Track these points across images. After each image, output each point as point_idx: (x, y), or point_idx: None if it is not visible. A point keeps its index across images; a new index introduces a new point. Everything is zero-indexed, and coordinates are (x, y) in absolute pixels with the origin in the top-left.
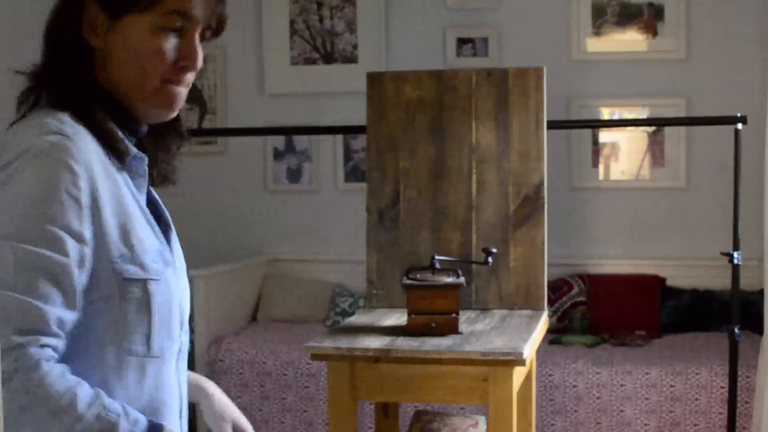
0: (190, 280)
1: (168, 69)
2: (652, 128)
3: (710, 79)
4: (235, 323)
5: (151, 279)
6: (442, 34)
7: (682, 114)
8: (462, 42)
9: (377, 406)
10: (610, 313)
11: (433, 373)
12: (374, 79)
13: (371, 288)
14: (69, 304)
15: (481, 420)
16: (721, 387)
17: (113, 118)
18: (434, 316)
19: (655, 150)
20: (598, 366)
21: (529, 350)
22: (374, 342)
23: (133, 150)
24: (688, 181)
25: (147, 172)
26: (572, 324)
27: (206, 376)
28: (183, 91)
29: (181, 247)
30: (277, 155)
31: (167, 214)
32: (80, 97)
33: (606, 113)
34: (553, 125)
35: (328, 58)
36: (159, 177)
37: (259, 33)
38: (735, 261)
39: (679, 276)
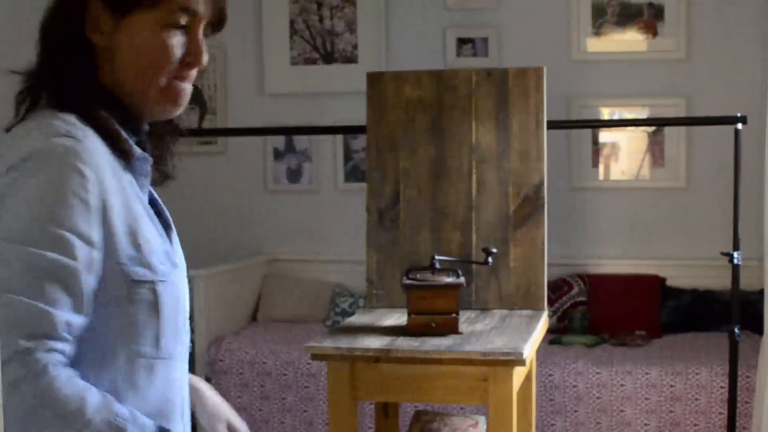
0: (190, 280)
1: (175, 66)
2: (652, 128)
3: (710, 79)
4: (235, 323)
5: (160, 280)
6: (442, 34)
7: (682, 114)
8: (462, 42)
9: (377, 406)
10: (610, 313)
11: (433, 373)
12: (374, 79)
13: (371, 288)
14: (77, 308)
15: (481, 420)
16: (721, 387)
17: (116, 118)
18: (434, 316)
19: (655, 150)
20: (598, 366)
21: (529, 350)
22: (374, 342)
23: (138, 150)
24: (688, 181)
25: (150, 172)
26: (572, 324)
27: (206, 376)
28: (188, 87)
29: (181, 247)
30: (277, 155)
31: (167, 213)
32: (82, 96)
33: (606, 113)
34: (553, 125)
35: (328, 58)
36: (160, 176)
37: (259, 33)
38: (735, 261)
39: (679, 276)
